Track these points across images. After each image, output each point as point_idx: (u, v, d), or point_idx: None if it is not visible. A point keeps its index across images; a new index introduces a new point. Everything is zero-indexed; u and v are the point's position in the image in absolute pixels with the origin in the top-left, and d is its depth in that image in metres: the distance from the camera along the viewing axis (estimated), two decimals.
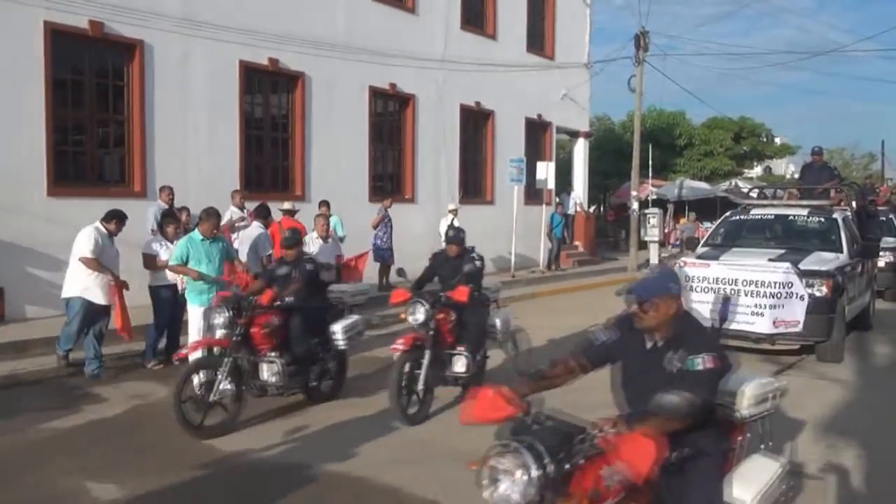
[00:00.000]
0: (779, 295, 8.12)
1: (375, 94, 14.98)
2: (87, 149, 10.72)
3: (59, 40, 10.01)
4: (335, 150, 13.94)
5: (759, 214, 10.63)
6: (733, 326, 8.18)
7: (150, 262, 8.15)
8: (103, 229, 7.71)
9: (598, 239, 23.95)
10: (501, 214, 17.14)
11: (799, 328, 8.11)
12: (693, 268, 8.64)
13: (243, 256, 8.78)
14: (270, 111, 13.40)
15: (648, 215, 19.70)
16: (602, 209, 32.09)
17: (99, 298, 7.62)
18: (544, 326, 9.98)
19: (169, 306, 8.16)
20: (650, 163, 22.22)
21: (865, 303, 10.58)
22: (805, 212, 10.24)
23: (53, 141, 10.03)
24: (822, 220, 10.00)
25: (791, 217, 10.37)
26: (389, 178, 16.04)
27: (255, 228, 9.56)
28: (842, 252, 9.38)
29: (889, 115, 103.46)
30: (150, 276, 8.22)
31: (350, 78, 14.17)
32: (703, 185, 27.60)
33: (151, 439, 5.84)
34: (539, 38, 19.94)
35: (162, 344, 8.33)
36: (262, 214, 9.78)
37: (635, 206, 20.21)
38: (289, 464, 5.31)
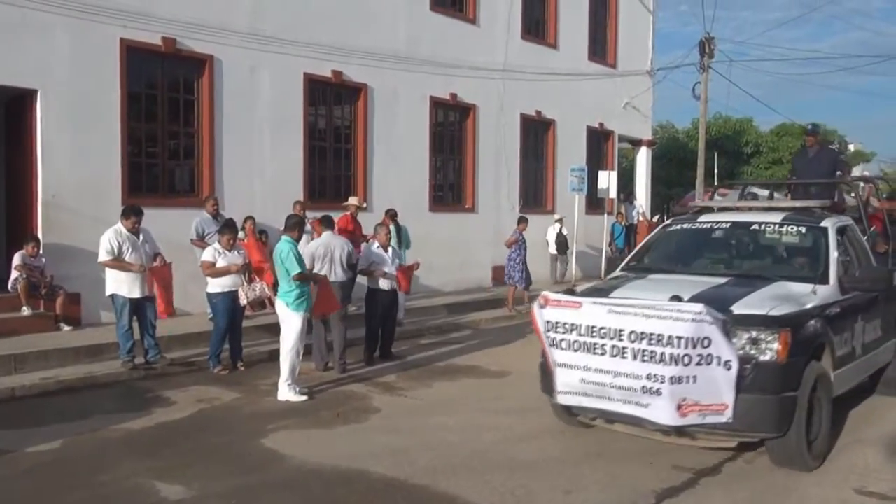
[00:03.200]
0: (686, 359, 4.81)
1: (436, 104, 15.10)
2: (160, 160, 11.12)
3: (134, 56, 10.44)
4: (397, 160, 14.10)
5: (708, 223, 7.17)
6: (614, 408, 5.19)
7: (207, 268, 8.42)
8: (122, 228, 8.08)
9: None
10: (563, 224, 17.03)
11: (725, 417, 4.94)
12: (555, 308, 5.32)
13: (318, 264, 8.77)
14: (333, 122, 13.65)
15: None
16: (665, 218, 31.51)
17: (133, 292, 8.07)
18: None
19: (227, 313, 8.40)
20: (715, 171, 21.74)
21: (880, 363, 7.10)
22: (778, 218, 6.86)
23: (128, 152, 10.45)
24: (802, 230, 6.67)
25: (755, 227, 6.95)
26: (450, 187, 16.13)
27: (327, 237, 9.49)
28: (826, 281, 6.04)
29: None
30: (208, 284, 8.50)
31: (412, 89, 14.32)
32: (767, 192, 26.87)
33: (217, 442, 6.01)
34: (601, 46, 19.77)
35: (224, 350, 8.57)
36: (327, 224, 9.70)
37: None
38: (349, 469, 5.38)
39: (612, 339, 5.02)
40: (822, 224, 6.62)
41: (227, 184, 11.39)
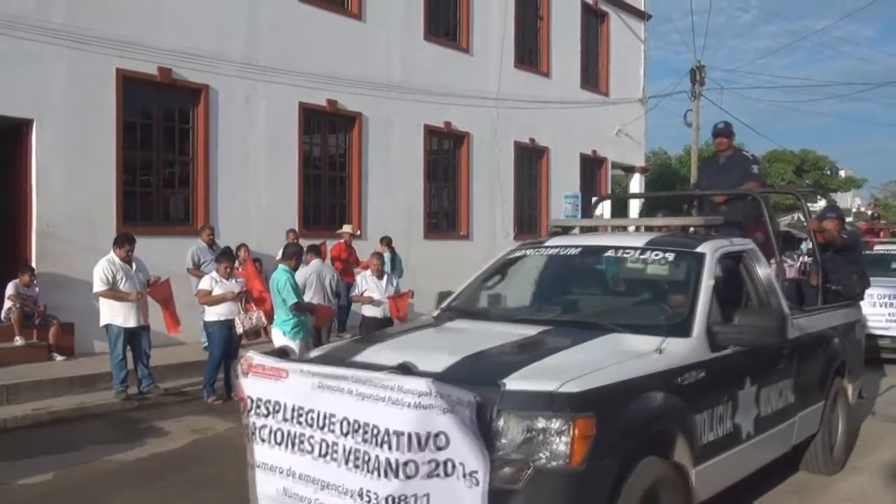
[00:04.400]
0: (410, 468, 3.01)
1: (431, 132, 15.21)
2: (154, 188, 11.15)
3: (130, 86, 10.50)
4: (391, 188, 14.16)
5: (556, 248, 5.45)
6: None
7: (203, 297, 8.40)
8: (115, 258, 8.08)
9: None
10: None
11: None
12: (257, 379, 3.53)
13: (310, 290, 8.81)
14: (328, 150, 13.72)
15: None
16: None
17: (128, 322, 8.01)
18: None
19: (223, 342, 8.37)
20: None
21: (797, 439, 5.35)
22: (641, 242, 5.09)
23: (123, 181, 10.47)
24: (669, 258, 4.86)
25: (609, 254, 5.26)
26: (445, 215, 16.18)
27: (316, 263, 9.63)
28: (686, 332, 4.17)
29: None
30: (205, 312, 8.49)
31: (406, 117, 14.43)
32: None
33: (211, 473, 5.95)
34: (593, 75, 19.98)
35: (219, 379, 8.52)
36: (315, 252, 9.74)
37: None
38: None
39: (320, 428, 3.26)
40: (699, 250, 4.76)
41: (222, 212, 11.41)
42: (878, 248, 12.19)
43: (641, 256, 4.95)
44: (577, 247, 5.40)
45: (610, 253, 5.24)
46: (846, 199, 51.35)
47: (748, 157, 7.67)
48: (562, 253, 5.36)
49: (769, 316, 4.63)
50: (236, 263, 9.98)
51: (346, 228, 12.00)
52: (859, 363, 6.65)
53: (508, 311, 5.25)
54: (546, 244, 5.62)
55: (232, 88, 11.59)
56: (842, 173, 40.64)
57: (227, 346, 8.38)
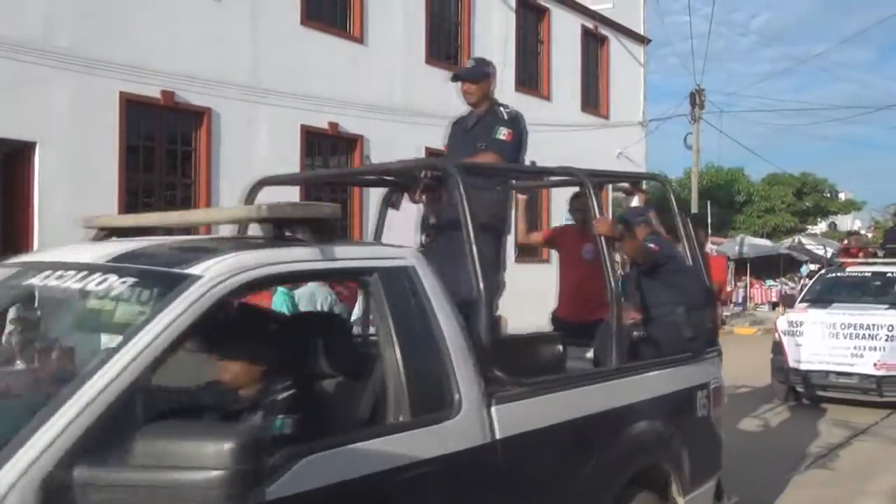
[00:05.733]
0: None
1: (432, 154, 15.25)
2: (157, 211, 11.15)
3: (133, 109, 10.56)
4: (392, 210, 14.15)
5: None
6: None
7: None
8: None
9: None
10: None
11: None
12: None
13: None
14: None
15: None
16: None
17: None
18: None
19: None
20: (709, 220, 21.95)
21: None
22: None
23: (125, 203, 10.49)
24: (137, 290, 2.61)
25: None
26: None
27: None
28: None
29: None
30: None
31: (407, 140, 14.47)
32: (765, 241, 27.09)
33: None
34: (593, 98, 20.09)
35: None
36: None
37: None
38: None
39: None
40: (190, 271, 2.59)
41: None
42: (851, 270, 9.95)
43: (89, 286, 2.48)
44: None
45: (889, 274, 5.30)
46: (846, 222, 51.43)
47: (501, 116, 4.73)
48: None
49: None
50: None
51: None
52: (707, 455, 3.99)
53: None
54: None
55: (234, 111, 11.65)
56: (841, 196, 40.72)
57: None
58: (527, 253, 17.60)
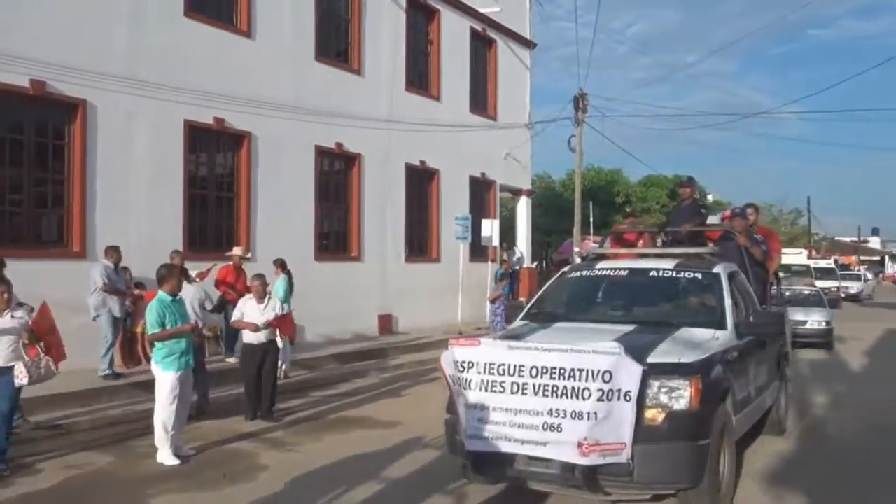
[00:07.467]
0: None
1: (322, 153, 15.06)
2: (25, 208, 10.45)
3: None
4: (281, 208, 13.89)
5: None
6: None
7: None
8: None
9: None
10: (447, 271, 17.26)
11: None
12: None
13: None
14: (216, 170, 13.32)
15: None
16: (544, 265, 32.57)
17: None
18: None
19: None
20: (591, 220, 22.78)
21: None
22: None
23: None
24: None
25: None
26: (336, 236, 16.01)
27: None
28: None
29: (808, 172, 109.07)
30: None
31: (296, 137, 14.23)
32: None
33: None
34: (482, 100, 20.43)
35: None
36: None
37: (578, 261, 20.54)
38: None
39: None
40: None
41: (101, 233, 10.81)
42: (603, 266, 7.32)
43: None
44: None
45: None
46: (714, 221, 54.69)
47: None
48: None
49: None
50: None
51: (237, 251, 11.66)
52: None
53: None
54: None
55: (112, 104, 11.05)
56: (710, 197, 43.27)
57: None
58: (417, 253, 17.70)
